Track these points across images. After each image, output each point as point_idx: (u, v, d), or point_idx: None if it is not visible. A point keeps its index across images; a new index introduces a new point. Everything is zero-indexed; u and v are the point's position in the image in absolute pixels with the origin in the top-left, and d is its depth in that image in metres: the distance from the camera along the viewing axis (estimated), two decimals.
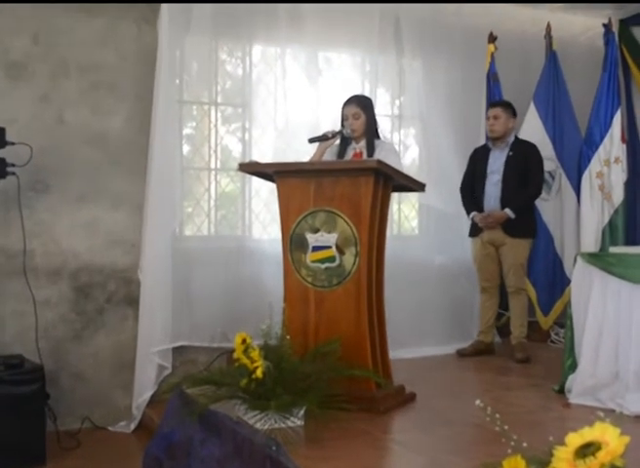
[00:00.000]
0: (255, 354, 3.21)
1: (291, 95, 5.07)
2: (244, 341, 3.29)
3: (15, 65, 4.39)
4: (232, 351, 3.36)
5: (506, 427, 1.93)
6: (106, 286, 4.60)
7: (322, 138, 4.21)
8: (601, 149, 5.57)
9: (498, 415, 1.97)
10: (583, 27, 6.19)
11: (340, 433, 3.17)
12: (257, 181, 4.78)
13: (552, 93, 5.75)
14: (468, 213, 5.25)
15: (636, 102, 6.14)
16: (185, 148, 5.04)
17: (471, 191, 5.27)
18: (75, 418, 4.40)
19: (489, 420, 2.00)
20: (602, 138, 5.57)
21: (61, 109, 4.51)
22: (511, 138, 5.20)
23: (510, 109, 5.19)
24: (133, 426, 4.41)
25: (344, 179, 3.68)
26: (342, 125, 4.24)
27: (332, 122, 4.53)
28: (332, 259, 3.68)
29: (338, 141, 4.29)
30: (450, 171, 5.53)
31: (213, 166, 5.02)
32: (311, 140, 4.21)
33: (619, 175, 5.57)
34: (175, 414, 3.56)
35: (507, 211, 5.04)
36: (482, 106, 5.53)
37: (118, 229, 4.63)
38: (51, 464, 3.86)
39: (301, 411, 3.25)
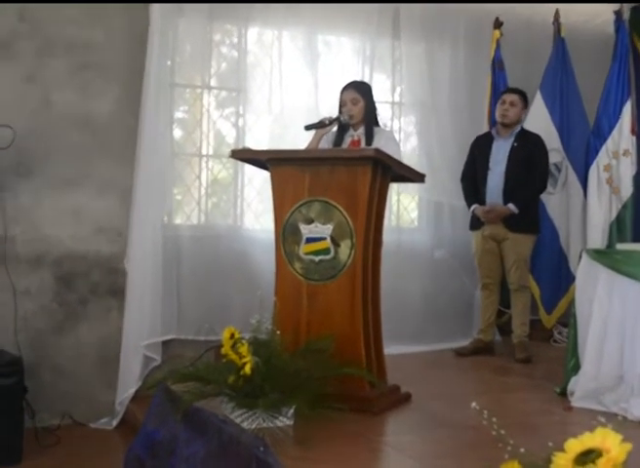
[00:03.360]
0: (243, 349, 3.16)
1: (288, 79, 5.03)
2: (232, 336, 3.24)
3: None
4: (220, 346, 3.31)
5: (503, 432, 1.90)
6: (90, 275, 4.50)
7: (319, 126, 4.12)
8: (609, 141, 5.49)
9: (494, 419, 1.93)
10: (593, 14, 6.07)
11: (331, 434, 3.12)
12: (250, 169, 4.70)
13: (560, 81, 5.67)
14: (469, 205, 5.18)
15: None
16: (177, 133, 4.99)
17: (472, 182, 5.19)
18: (55, 414, 4.30)
19: (486, 423, 1.96)
20: (611, 130, 5.50)
21: (47, 90, 4.41)
22: (517, 129, 5.15)
23: (526, 100, 5.19)
24: (115, 422, 4.33)
25: (341, 168, 3.64)
26: (340, 111, 4.17)
27: (330, 108, 4.46)
28: (326, 252, 3.64)
29: (335, 128, 4.21)
30: (451, 161, 5.48)
31: (205, 152, 4.98)
32: (307, 128, 4.14)
33: (627, 169, 5.49)
34: (159, 412, 3.50)
35: (511, 206, 4.96)
36: (486, 94, 5.48)
37: (104, 216, 4.54)
38: (27, 462, 3.77)
39: (291, 411, 3.21)
